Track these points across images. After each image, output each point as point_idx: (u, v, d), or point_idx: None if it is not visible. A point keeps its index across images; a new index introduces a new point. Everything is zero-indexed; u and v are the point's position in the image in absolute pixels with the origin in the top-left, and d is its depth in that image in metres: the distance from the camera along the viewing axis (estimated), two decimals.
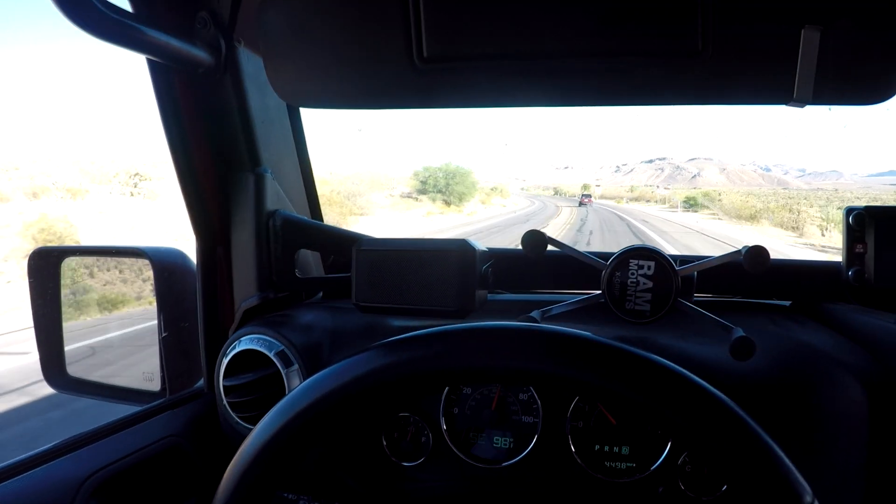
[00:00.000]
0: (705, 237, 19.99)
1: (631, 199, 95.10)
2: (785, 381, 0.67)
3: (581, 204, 57.11)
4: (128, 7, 0.74)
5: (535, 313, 0.70)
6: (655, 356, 0.40)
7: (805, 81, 0.53)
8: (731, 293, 0.88)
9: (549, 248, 0.70)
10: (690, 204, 57.85)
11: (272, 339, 0.78)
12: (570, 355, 0.40)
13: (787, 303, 0.89)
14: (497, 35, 0.57)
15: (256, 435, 0.43)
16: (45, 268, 0.96)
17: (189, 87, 0.80)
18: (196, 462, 0.82)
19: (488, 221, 27.06)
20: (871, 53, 0.53)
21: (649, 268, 0.67)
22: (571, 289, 0.85)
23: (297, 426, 0.42)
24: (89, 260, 1.07)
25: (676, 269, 0.66)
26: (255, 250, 0.83)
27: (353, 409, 0.42)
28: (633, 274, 0.68)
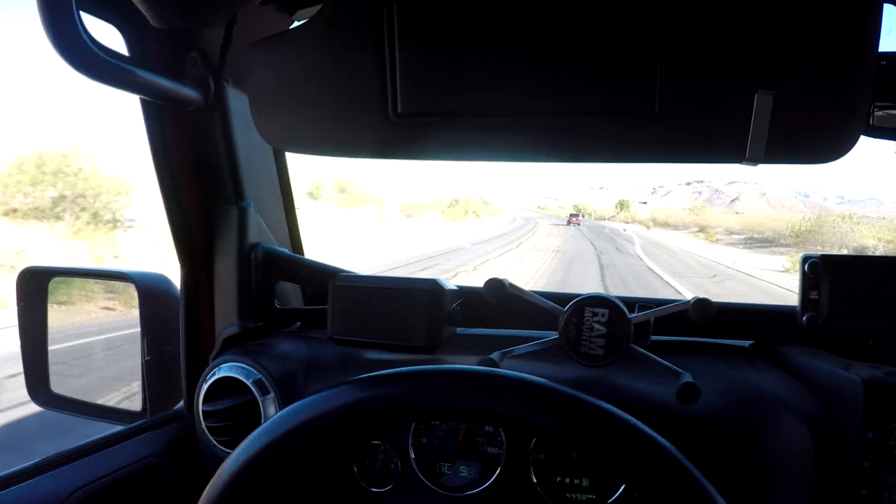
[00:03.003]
0: None
1: (750, 240, 36.06)
2: (734, 423, 0.69)
3: (569, 223, 45.80)
4: (121, 48, 0.78)
5: (495, 354, 0.74)
6: (600, 401, 0.43)
7: (758, 142, 0.55)
8: (696, 333, 0.92)
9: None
10: None
11: (250, 368, 0.81)
12: (510, 397, 0.44)
13: (748, 343, 0.93)
14: (466, 93, 0.60)
15: (233, 460, 0.46)
16: (34, 287, 0.99)
17: (178, 124, 0.84)
18: (175, 483, 0.85)
19: None
20: (822, 115, 0.55)
21: (603, 315, 0.72)
22: (537, 328, 0.89)
23: (272, 453, 0.46)
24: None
25: (629, 317, 0.71)
26: (236, 280, 0.87)
27: (324, 438, 0.46)
28: (588, 320, 0.72)
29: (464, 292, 0.85)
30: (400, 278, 0.80)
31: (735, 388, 0.75)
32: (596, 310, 0.72)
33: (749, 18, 0.53)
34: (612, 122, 0.60)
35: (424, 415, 0.48)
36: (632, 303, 0.77)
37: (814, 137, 0.56)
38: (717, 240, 38.21)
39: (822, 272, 0.79)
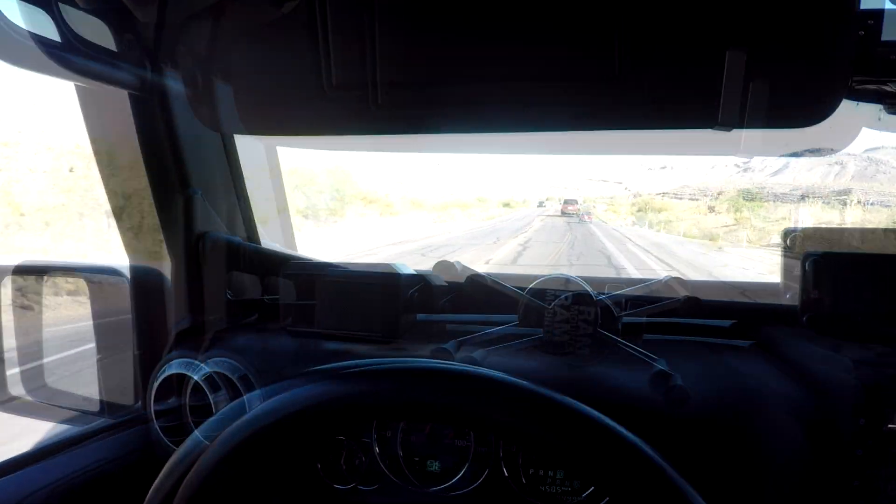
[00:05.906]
0: None
1: None
2: (724, 418, 0.65)
3: (563, 213, 47.92)
4: (51, 33, 0.75)
5: (449, 344, 0.68)
6: (564, 397, 0.40)
7: (730, 104, 0.51)
8: (693, 332, 0.83)
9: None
10: None
11: (200, 364, 0.77)
12: (456, 392, 0.41)
13: (728, 323, 0.84)
14: (404, 63, 0.58)
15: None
16: (27, 283, 1.00)
17: (117, 110, 0.80)
18: (130, 486, 0.82)
19: None
20: (800, 74, 0.50)
21: (567, 298, 0.62)
22: (502, 312, 0.78)
23: (212, 462, 0.45)
24: None
25: (595, 298, 0.60)
26: (185, 272, 0.82)
27: (268, 445, 0.46)
28: (549, 303, 0.64)
29: (423, 276, 0.77)
30: (354, 264, 0.77)
31: (727, 383, 0.70)
32: (558, 292, 0.62)
33: None
34: (571, 87, 0.58)
35: (365, 414, 0.47)
36: (601, 283, 0.66)
37: (792, 98, 0.52)
38: None
39: (824, 270, 0.74)
